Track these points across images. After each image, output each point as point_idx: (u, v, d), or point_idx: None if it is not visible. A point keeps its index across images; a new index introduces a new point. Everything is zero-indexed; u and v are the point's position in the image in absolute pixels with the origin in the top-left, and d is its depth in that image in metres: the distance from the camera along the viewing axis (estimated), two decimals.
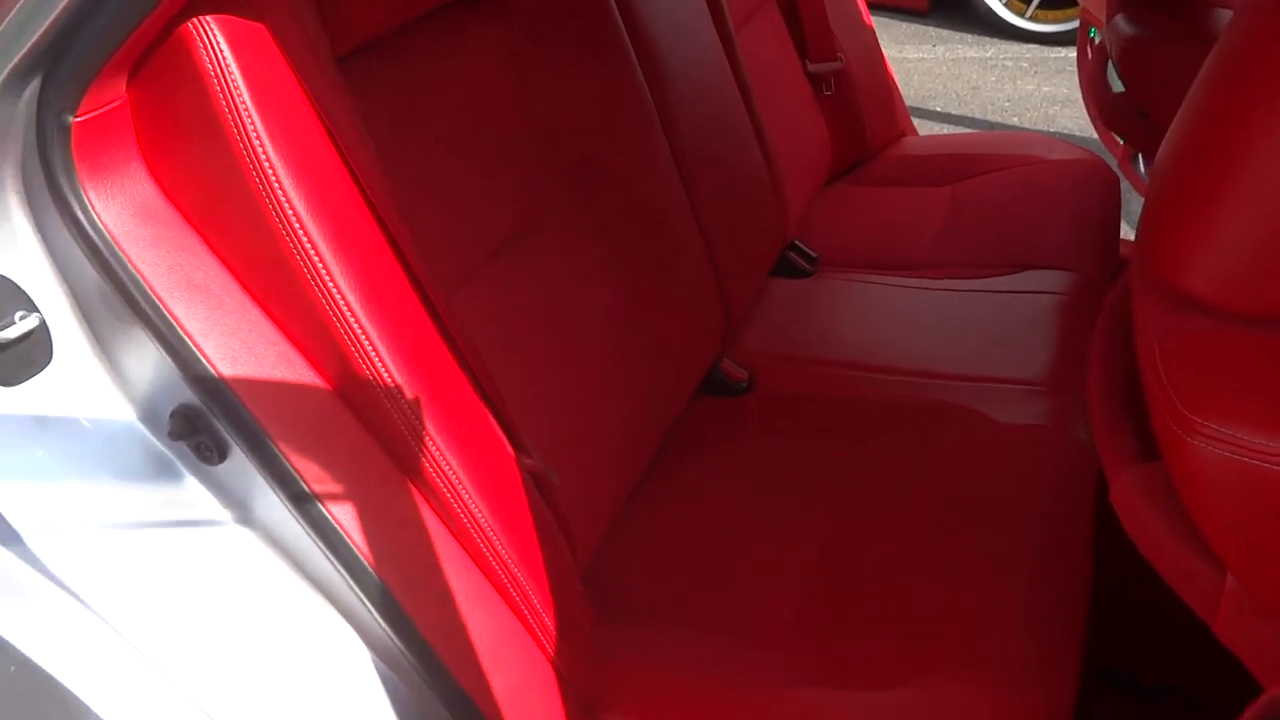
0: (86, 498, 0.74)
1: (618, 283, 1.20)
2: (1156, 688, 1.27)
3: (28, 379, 0.73)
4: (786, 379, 1.38)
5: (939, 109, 2.25)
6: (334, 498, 0.77)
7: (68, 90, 0.67)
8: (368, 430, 0.80)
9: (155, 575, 0.75)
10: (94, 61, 0.66)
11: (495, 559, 0.85)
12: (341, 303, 0.75)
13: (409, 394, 0.79)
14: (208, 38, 0.69)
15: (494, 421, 0.89)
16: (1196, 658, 0.91)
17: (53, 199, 0.70)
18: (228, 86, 0.69)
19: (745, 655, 0.99)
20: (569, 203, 1.14)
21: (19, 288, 0.72)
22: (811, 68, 1.84)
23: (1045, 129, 3.38)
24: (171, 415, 0.76)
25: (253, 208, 0.72)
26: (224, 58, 0.69)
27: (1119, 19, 1.46)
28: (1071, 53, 3.98)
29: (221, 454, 0.77)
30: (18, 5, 0.63)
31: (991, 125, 3.29)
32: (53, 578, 0.71)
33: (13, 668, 0.68)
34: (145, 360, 0.76)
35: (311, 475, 0.76)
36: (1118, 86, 2.04)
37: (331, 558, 0.78)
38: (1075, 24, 4.04)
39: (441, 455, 0.80)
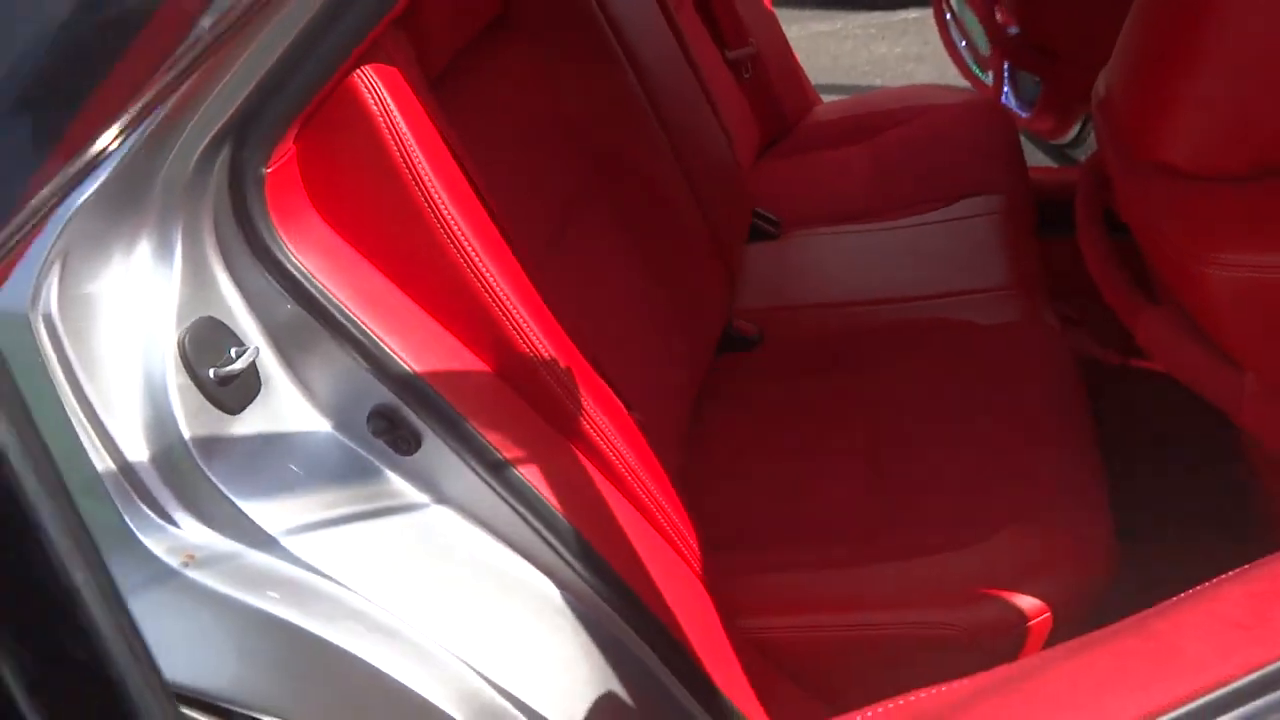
0: (312, 502, 0.84)
1: (644, 263, 1.34)
2: None
3: (249, 406, 0.83)
4: (789, 327, 1.55)
5: (811, 80, 2.50)
6: (522, 462, 0.89)
7: (264, 147, 0.77)
8: (529, 403, 0.92)
9: (384, 556, 0.86)
10: (290, 118, 0.77)
11: (647, 497, 0.98)
12: (502, 295, 0.87)
13: (562, 365, 0.92)
14: (371, 86, 0.80)
15: (604, 383, 1.02)
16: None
17: (249, 244, 0.80)
18: (393, 125, 0.81)
19: (831, 550, 1.15)
20: (598, 194, 1.29)
21: (228, 327, 0.82)
22: (730, 55, 2.02)
23: (907, 84, 3.69)
24: (370, 416, 0.87)
25: (421, 226, 0.84)
26: (386, 101, 0.81)
27: None
28: (910, 14, 4.33)
29: (416, 443, 0.88)
30: (227, 76, 0.73)
31: (859, 88, 3.56)
32: (314, 569, 0.81)
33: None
34: (335, 375, 0.86)
35: (502, 446, 0.88)
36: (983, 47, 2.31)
37: (529, 517, 0.89)
38: None
39: (595, 414, 0.94)
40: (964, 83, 2.80)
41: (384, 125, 0.81)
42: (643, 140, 1.35)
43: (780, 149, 2.13)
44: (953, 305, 1.51)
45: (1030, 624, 1.03)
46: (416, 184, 0.82)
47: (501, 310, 0.88)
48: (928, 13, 4.35)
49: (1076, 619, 1.04)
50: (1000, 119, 2.02)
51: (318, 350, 0.85)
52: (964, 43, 2.82)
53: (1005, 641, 1.04)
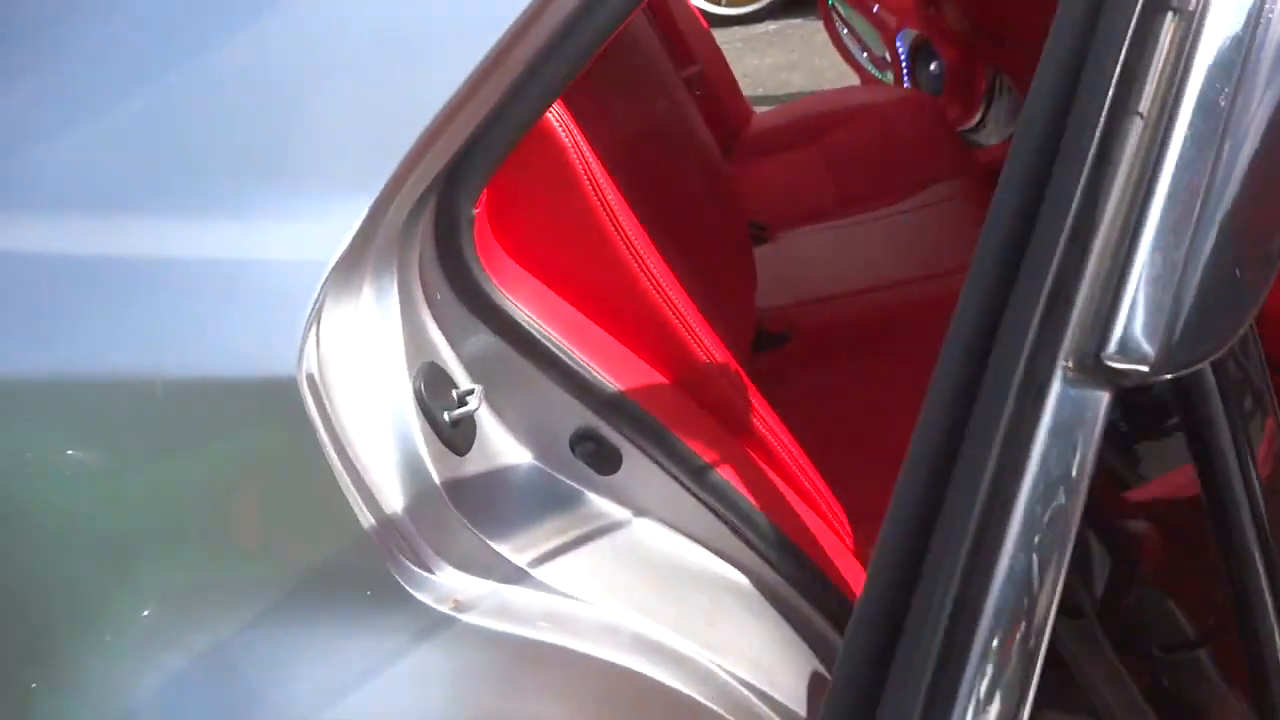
0: (543, 530, 0.85)
1: (685, 263, 1.40)
2: None
3: (472, 447, 0.83)
4: (815, 321, 1.63)
5: None
6: (719, 464, 0.92)
7: (475, 189, 0.78)
8: (707, 408, 0.96)
9: (612, 573, 0.87)
10: (502, 158, 0.78)
11: (809, 482, 1.03)
12: (681, 308, 0.91)
13: (731, 368, 0.96)
14: (559, 116, 0.83)
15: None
16: None
17: (453, 284, 0.81)
18: (581, 153, 0.84)
19: None
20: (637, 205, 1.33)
21: (444, 370, 0.82)
22: (683, 74, 2.10)
23: (783, 92, 3.89)
24: (574, 440, 0.88)
25: (606, 250, 0.87)
26: (574, 131, 0.83)
27: None
28: (770, 26, 4.55)
29: (617, 461, 0.90)
30: (455, 121, 0.74)
31: (753, 99, 3.72)
32: (566, 594, 0.82)
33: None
34: (536, 403, 0.87)
35: (701, 451, 0.91)
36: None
37: (730, 516, 0.93)
38: (762, 4, 4.62)
39: (763, 410, 0.98)
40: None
41: (574, 154, 0.83)
42: (684, 152, 1.40)
43: (736, 158, 2.22)
44: (956, 278, 1.62)
45: None
46: (604, 209, 0.85)
47: (681, 323, 0.91)
48: (785, 24, 4.62)
49: None
50: (933, 109, 2.18)
51: (519, 382, 0.86)
52: (864, 54, 3.01)
53: None
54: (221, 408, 0.69)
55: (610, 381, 0.87)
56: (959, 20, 1.96)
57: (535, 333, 0.83)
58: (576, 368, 0.85)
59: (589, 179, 0.84)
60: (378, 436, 0.75)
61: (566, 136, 0.83)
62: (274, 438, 0.71)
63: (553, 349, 0.84)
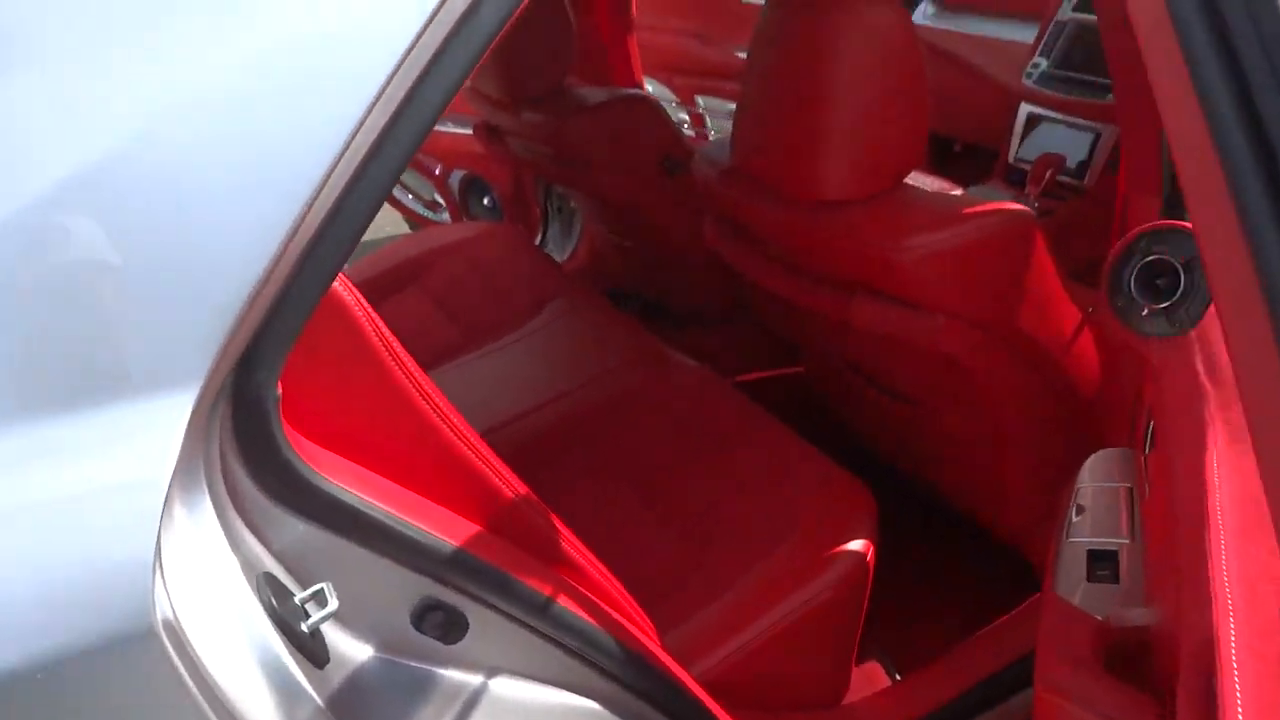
0: None
1: None
2: None
3: (329, 655, 0.72)
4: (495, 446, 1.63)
5: None
6: (556, 595, 0.90)
7: (278, 366, 0.70)
8: (520, 543, 0.93)
9: None
10: (299, 330, 0.71)
11: (616, 591, 1.04)
12: (483, 449, 0.88)
13: (533, 498, 0.95)
14: (343, 283, 0.77)
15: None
16: None
17: (263, 477, 0.71)
18: (370, 316, 0.79)
19: (686, 595, 1.30)
20: None
21: (278, 578, 0.71)
22: None
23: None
24: (417, 615, 0.80)
25: (405, 404, 0.82)
26: (355, 292, 0.78)
27: None
28: None
29: (463, 627, 0.84)
30: (244, 305, 0.66)
31: None
32: None
33: None
34: (367, 591, 0.79)
35: (538, 586, 0.88)
36: None
37: (577, 645, 0.90)
38: None
39: (564, 530, 0.98)
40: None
41: (365, 322, 0.78)
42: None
43: None
44: (609, 379, 1.74)
45: (868, 558, 1.31)
46: (399, 366, 0.81)
47: (486, 464, 0.89)
48: None
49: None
50: (517, 236, 2.32)
51: (349, 570, 0.77)
52: (410, 196, 3.09)
53: (858, 577, 1.30)
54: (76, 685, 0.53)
55: (443, 540, 0.81)
56: (526, 149, 2.12)
57: (358, 506, 0.76)
58: (408, 533, 0.79)
59: (381, 340, 0.79)
60: (247, 670, 0.62)
61: (355, 305, 0.78)
62: (132, 699, 0.56)
63: (379, 519, 0.77)
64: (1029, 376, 1.36)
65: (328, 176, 0.65)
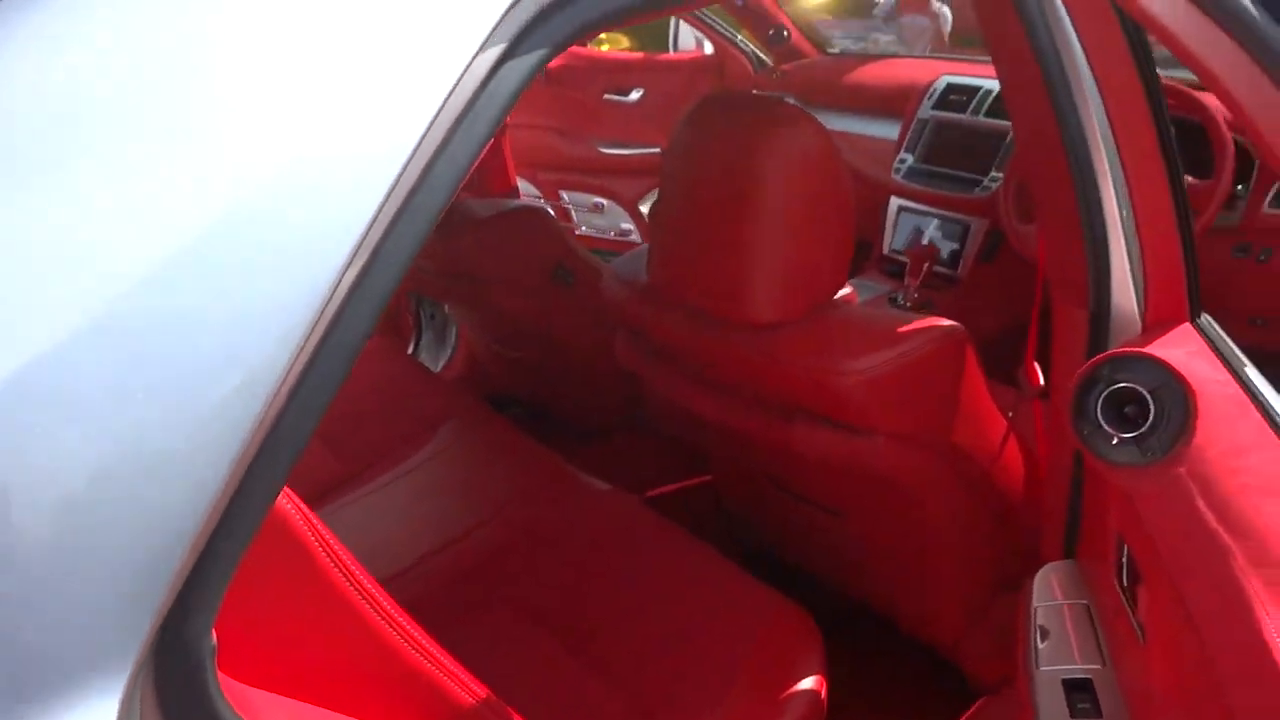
0: None
1: None
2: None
3: None
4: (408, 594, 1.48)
5: None
6: None
7: (214, 607, 0.57)
8: None
9: None
10: (235, 565, 0.58)
11: None
12: (443, 659, 0.77)
13: (492, 697, 0.83)
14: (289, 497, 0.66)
15: None
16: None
17: None
18: (317, 532, 0.67)
19: None
20: None
21: None
22: None
23: None
24: None
25: (359, 624, 0.70)
26: (301, 507, 0.67)
27: None
28: None
29: None
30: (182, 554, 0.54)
31: None
32: None
33: None
34: None
35: None
36: None
37: None
38: None
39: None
40: None
41: (305, 529, 0.66)
42: None
43: None
44: (516, 510, 1.63)
45: (821, 696, 1.24)
46: (351, 582, 0.69)
47: (449, 676, 0.78)
48: None
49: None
50: (396, 352, 2.19)
51: None
52: None
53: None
54: None
55: None
56: None
57: None
58: None
59: (328, 553, 0.68)
60: None
61: (296, 514, 0.66)
62: None
63: None
64: (962, 490, 1.34)
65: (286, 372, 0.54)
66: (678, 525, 1.54)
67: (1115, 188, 1.07)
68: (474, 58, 0.63)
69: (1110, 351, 0.96)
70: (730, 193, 1.17)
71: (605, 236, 3.37)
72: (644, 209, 3.36)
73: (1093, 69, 1.01)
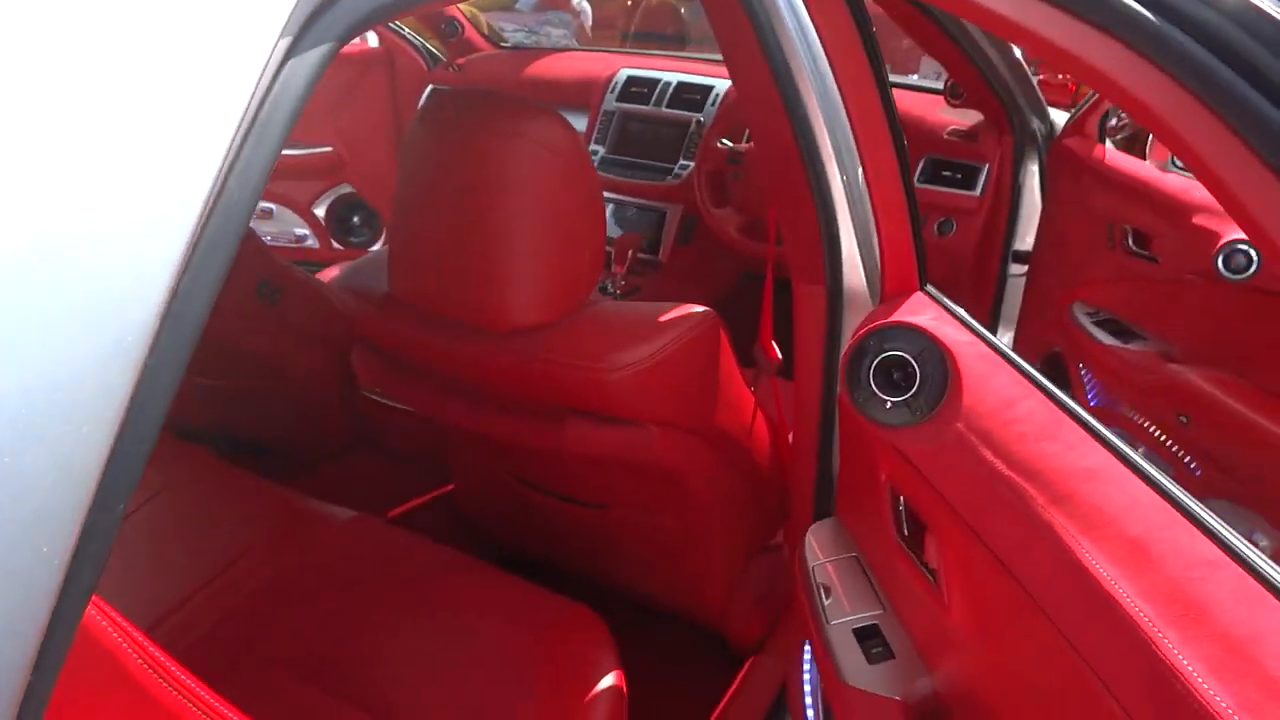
0: None
1: None
2: None
3: None
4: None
5: None
6: None
7: None
8: None
9: None
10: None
11: None
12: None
13: None
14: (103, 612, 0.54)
15: None
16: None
17: None
18: (135, 643, 0.56)
19: None
20: None
21: None
22: None
23: None
24: None
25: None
26: (123, 626, 0.55)
27: None
28: None
29: None
30: None
31: None
32: None
33: None
34: None
35: None
36: None
37: None
38: None
39: None
40: None
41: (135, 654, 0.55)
42: None
43: None
44: (256, 557, 1.47)
45: (623, 689, 1.24)
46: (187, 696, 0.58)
47: None
48: None
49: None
50: None
51: None
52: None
53: (619, 713, 1.23)
54: None
55: None
56: None
57: None
58: None
59: (157, 671, 0.56)
60: None
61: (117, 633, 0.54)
62: None
63: None
64: (724, 468, 1.40)
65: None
66: (433, 542, 1.46)
67: (847, 168, 1.16)
68: (267, 59, 0.55)
69: (874, 324, 1.04)
70: (480, 196, 1.12)
71: (280, 245, 3.13)
72: (320, 212, 3.16)
73: (824, 48, 1.08)
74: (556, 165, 1.12)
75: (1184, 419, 1.67)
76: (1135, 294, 1.89)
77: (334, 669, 1.24)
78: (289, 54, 0.56)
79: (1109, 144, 2.01)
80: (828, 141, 1.15)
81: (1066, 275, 2.06)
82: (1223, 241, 1.58)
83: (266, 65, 0.55)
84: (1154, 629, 0.62)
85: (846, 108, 1.11)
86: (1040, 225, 2.17)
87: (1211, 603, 0.62)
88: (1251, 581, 0.63)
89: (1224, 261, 1.57)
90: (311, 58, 0.58)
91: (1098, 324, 1.95)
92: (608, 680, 1.24)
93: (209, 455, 1.72)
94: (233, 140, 0.53)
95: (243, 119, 0.54)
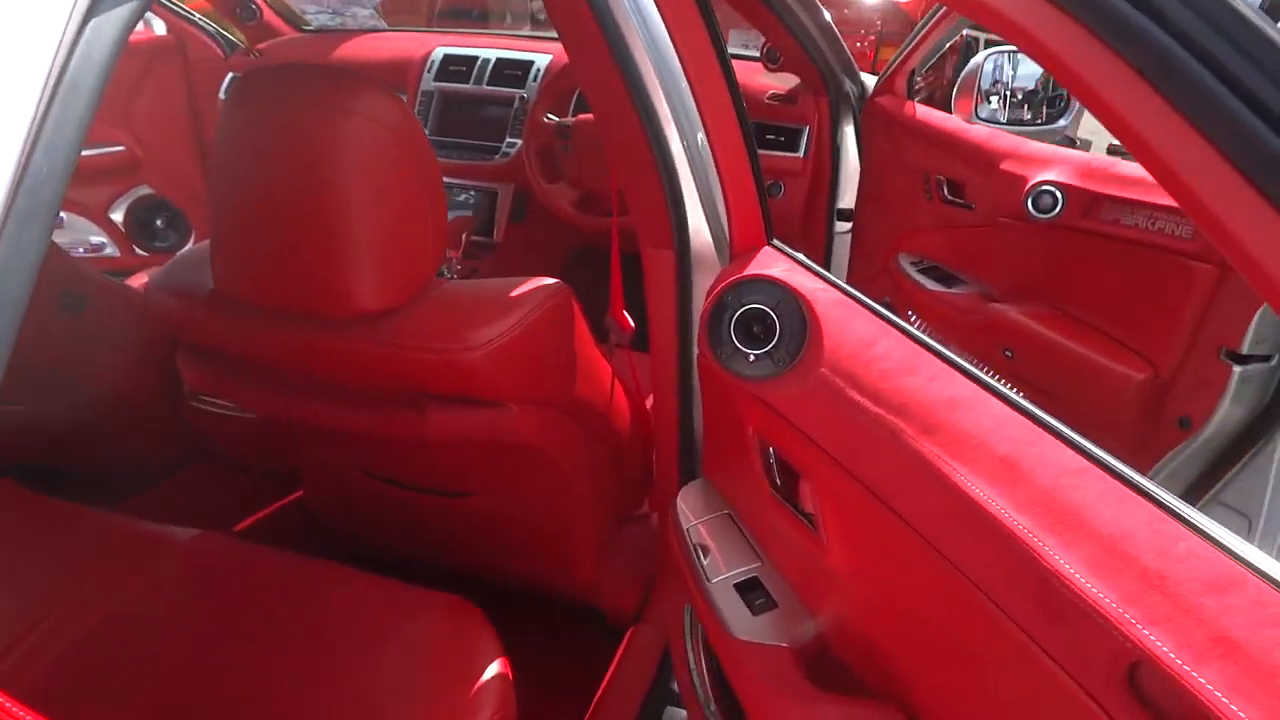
0: None
1: None
2: None
3: None
4: None
5: None
6: None
7: None
8: None
9: None
10: None
11: None
12: None
13: None
14: None
15: None
16: None
17: None
18: None
19: None
20: None
21: None
22: None
23: None
24: None
25: None
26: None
27: None
28: None
29: None
30: None
31: None
32: None
33: None
34: None
35: None
36: None
37: None
38: None
39: None
40: None
41: None
42: None
43: None
44: (93, 591, 1.34)
45: (509, 677, 1.21)
46: None
47: None
48: None
49: None
50: None
51: None
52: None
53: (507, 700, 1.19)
54: None
55: None
56: None
57: None
58: None
59: None
60: None
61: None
62: None
63: None
64: (588, 440, 1.38)
65: None
66: (289, 552, 1.38)
67: (686, 131, 1.16)
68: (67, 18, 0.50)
69: (729, 280, 1.05)
70: (311, 177, 1.06)
71: (76, 254, 2.87)
72: (117, 217, 2.92)
73: (661, 14, 1.08)
74: (390, 141, 1.07)
75: (1009, 353, 1.78)
76: (954, 240, 2.00)
77: (192, 701, 1.15)
78: (90, 12, 0.50)
79: (917, 101, 2.11)
80: (665, 105, 1.15)
81: (889, 228, 2.16)
82: (1030, 184, 1.68)
83: (67, 26, 0.49)
84: (1034, 539, 0.65)
85: (685, 72, 1.11)
86: (860, 182, 2.25)
87: (1083, 507, 0.65)
88: (1115, 483, 0.67)
89: (1032, 203, 1.68)
90: (116, 16, 0.52)
91: (922, 272, 2.05)
92: (493, 669, 1.20)
93: (13, 486, 1.55)
94: (36, 109, 0.47)
95: (45, 85, 0.48)
